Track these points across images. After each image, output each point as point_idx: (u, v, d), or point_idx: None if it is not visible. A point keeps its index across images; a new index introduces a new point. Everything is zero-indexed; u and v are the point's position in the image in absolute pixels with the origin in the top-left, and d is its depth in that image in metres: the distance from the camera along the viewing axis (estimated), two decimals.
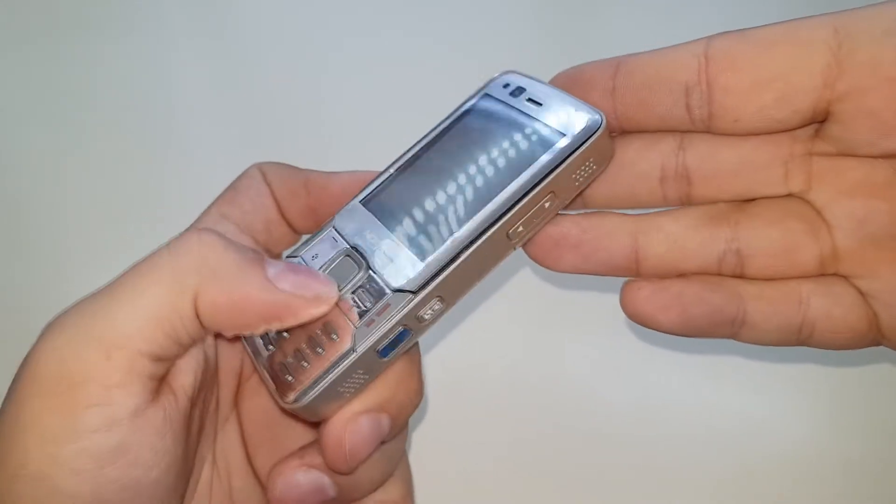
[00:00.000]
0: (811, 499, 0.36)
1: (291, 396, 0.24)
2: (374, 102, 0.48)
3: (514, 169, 0.25)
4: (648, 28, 0.50)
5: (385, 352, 0.25)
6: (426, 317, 0.25)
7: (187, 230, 0.25)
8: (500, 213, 0.25)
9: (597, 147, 0.25)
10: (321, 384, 0.24)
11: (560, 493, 0.37)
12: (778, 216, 0.26)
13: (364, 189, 0.28)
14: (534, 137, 0.26)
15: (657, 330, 0.27)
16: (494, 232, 0.25)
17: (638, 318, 0.27)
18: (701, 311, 0.26)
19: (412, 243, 0.25)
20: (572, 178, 0.25)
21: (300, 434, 0.28)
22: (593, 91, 0.26)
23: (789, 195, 0.26)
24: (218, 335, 0.26)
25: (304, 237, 0.28)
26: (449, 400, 0.38)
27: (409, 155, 0.28)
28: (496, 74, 0.28)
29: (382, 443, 0.26)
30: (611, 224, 0.27)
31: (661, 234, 0.26)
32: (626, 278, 0.27)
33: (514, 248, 0.26)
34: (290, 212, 0.29)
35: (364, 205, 0.27)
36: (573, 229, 0.27)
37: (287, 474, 0.26)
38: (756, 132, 0.25)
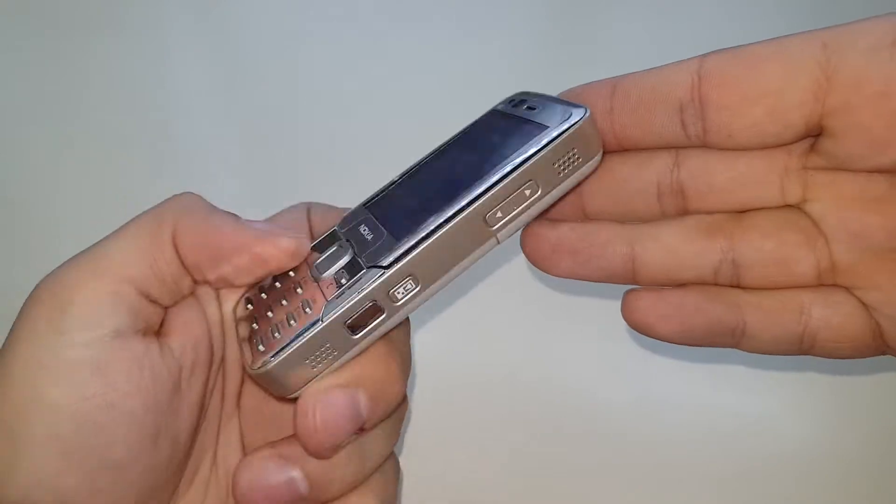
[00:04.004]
0: (811, 499, 0.36)
1: (258, 363, 0.25)
2: (375, 104, 0.48)
3: (496, 158, 0.26)
4: (653, 38, 0.49)
5: (356, 329, 0.25)
6: (399, 296, 0.25)
7: None
8: (476, 195, 0.25)
9: (578, 136, 0.25)
10: (285, 351, 0.25)
11: (560, 495, 0.37)
12: (774, 228, 0.26)
13: (370, 195, 0.29)
14: (519, 132, 0.27)
15: (658, 339, 0.27)
16: (470, 213, 0.25)
17: (638, 327, 0.27)
18: (700, 321, 0.27)
19: (394, 228, 0.26)
20: (554, 168, 0.26)
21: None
22: (592, 111, 0.26)
23: (786, 206, 0.26)
24: (205, 283, 0.27)
25: None
26: (449, 403, 0.39)
27: (413, 167, 0.29)
28: (512, 95, 0.29)
29: (361, 430, 0.25)
30: (609, 232, 0.27)
31: (657, 243, 0.27)
32: (627, 286, 0.28)
33: (497, 239, 0.26)
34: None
35: (365, 206, 0.29)
36: (571, 235, 0.27)
37: (255, 466, 0.25)
38: (750, 147, 0.25)
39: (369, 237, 0.27)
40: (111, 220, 0.25)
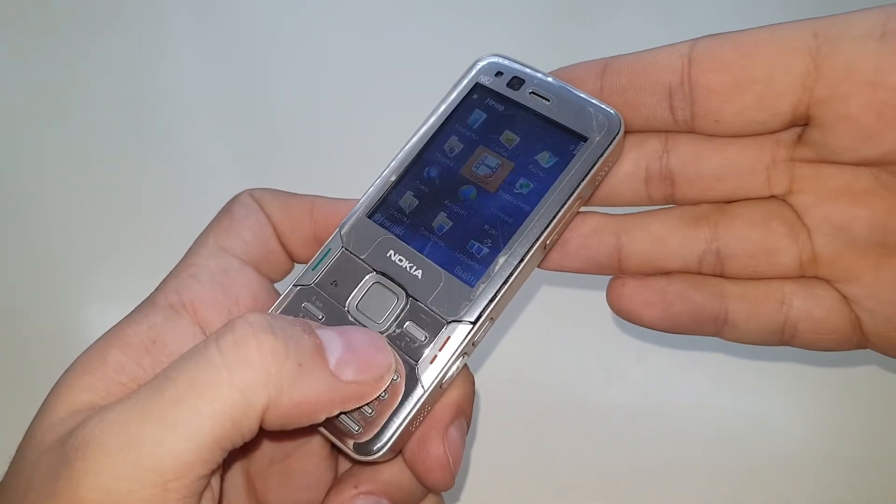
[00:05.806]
0: (811, 499, 0.36)
1: (367, 447, 0.23)
2: (373, 104, 0.48)
3: (546, 179, 0.25)
4: (646, 28, 0.49)
5: (446, 381, 0.24)
6: (479, 339, 0.25)
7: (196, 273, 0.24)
8: (542, 230, 0.25)
9: (617, 148, 0.26)
10: (396, 429, 0.23)
11: (561, 494, 0.37)
12: (758, 218, 0.26)
13: (365, 200, 0.27)
14: (557, 141, 0.26)
15: (641, 325, 0.27)
16: (538, 246, 0.25)
17: (623, 314, 0.27)
18: (683, 308, 0.27)
19: (453, 267, 0.25)
20: (596, 180, 0.26)
21: (314, 463, 0.27)
22: (582, 91, 0.26)
23: (772, 197, 0.26)
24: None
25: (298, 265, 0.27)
26: None
27: (409, 158, 0.27)
28: (483, 58, 0.28)
29: None
30: (595, 223, 0.27)
31: (643, 233, 0.27)
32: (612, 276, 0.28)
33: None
34: (292, 241, 0.27)
35: (374, 220, 0.26)
36: None
37: None
38: (737, 134, 0.25)
39: (416, 273, 0.25)
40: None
